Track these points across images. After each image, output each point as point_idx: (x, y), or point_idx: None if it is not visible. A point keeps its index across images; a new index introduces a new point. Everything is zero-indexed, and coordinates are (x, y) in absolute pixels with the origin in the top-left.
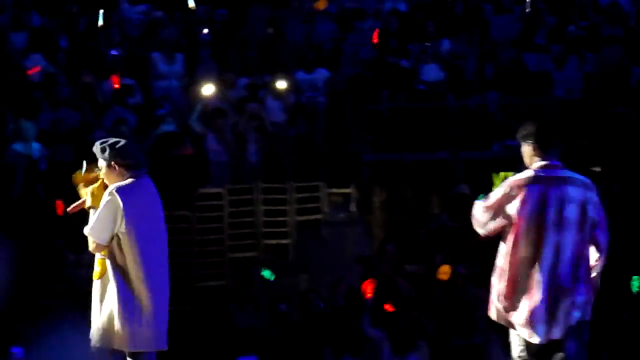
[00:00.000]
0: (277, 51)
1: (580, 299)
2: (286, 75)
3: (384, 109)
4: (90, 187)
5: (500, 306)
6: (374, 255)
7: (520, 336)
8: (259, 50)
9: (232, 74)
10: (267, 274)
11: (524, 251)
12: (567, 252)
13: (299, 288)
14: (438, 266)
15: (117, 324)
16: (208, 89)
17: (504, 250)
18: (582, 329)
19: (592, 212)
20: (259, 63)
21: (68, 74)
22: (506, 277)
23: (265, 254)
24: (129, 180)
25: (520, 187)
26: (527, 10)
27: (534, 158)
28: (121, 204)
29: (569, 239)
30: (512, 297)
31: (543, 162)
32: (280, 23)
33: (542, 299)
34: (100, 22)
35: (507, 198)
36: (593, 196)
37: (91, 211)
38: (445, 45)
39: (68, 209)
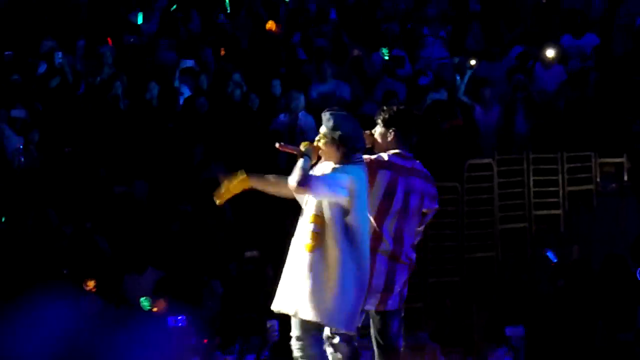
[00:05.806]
0: (548, 19)
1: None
2: (555, 43)
3: None
4: (310, 143)
5: None
6: None
7: None
8: (530, 18)
9: (499, 47)
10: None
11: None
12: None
13: (570, 259)
14: None
15: (321, 298)
16: (475, 60)
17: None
18: None
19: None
20: (530, 32)
21: (336, 48)
22: None
23: (536, 225)
24: (358, 164)
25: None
26: None
27: (390, 144)
28: (356, 186)
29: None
30: None
31: (398, 150)
32: None
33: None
34: None
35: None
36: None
37: (301, 159)
38: None
39: (280, 145)
